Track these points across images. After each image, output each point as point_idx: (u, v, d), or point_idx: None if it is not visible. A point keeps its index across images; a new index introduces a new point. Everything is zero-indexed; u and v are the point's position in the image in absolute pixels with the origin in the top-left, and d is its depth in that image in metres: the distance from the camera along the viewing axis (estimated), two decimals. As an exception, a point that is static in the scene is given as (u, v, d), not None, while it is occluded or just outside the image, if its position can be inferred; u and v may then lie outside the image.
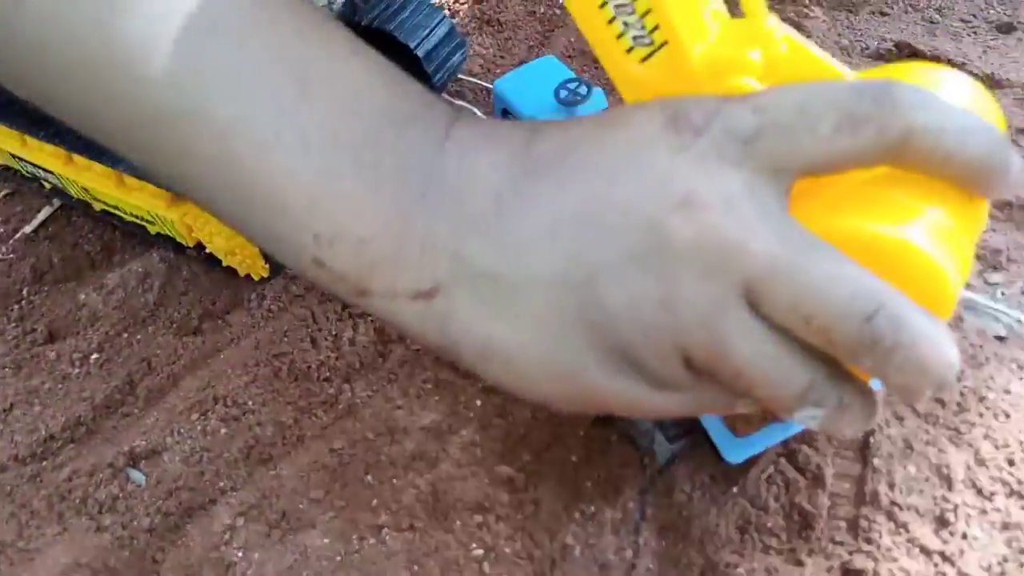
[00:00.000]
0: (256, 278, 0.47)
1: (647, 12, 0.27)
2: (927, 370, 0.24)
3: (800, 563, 0.36)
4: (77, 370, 0.45)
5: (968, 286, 0.46)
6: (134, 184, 0.45)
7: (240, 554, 0.38)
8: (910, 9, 0.66)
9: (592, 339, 0.26)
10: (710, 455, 0.40)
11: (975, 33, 0.63)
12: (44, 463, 0.41)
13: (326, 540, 0.38)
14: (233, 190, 0.27)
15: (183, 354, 0.45)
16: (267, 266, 0.46)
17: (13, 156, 0.50)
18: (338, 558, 0.37)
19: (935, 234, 0.25)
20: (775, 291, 0.24)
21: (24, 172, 0.51)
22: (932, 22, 0.64)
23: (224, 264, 0.47)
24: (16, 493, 0.40)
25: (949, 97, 0.28)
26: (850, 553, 0.36)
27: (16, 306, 0.49)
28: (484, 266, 0.26)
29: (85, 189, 0.48)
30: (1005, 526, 0.36)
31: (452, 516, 0.38)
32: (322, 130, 0.26)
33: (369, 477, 0.40)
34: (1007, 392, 0.40)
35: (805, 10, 0.63)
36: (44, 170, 0.49)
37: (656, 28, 0.28)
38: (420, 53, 0.52)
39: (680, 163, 0.25)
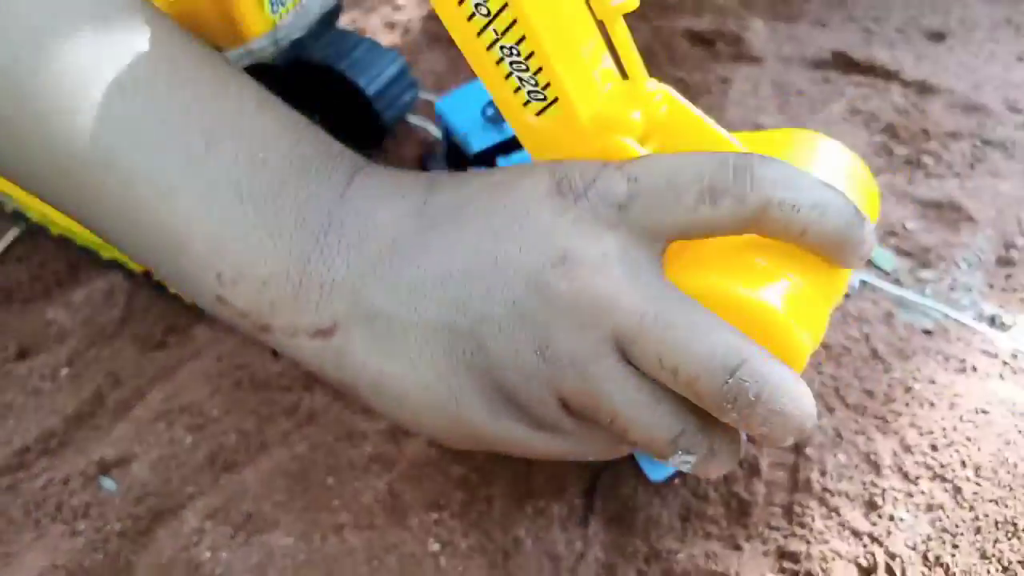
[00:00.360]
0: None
1: (539, 70, 0.29)
2: (788, 421, 0.26)
3: (738, 547, 0.38)
4: (48, 384, 0.47)
5: (898, 283, 0.49)
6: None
7: (209, 554, 0.39)
8: (848, 20, 0.68)
9: (477, 383, 0.28)
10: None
11: (909, 42, 0.65)
12: (20, 473, 0.43)
13: (289, 539, 0.39)
14: (140, 234, 0.29)
15: (148, 367, 0.47)
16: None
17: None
18: (301, 556, 0.39)
19: (790, 298, 0.27)
20: (643, 345, 0.26)
21: (-14, 196, 0.52)
22: (869, 31, 0.67)
23: (171, 292, 0.48)
24: (-7, 504, 0.41)
25: (821, 167, 0.30)
26: (785, 537, 0.38)
27: (-14, 324, 0.50)
28: (379, 307, 0.28)
29: (43, 214, 0.50)
30: (929, 508, 0.38)
31: (409, 514, 0.40)
32: (226, 179, 0.28)
33: (330, 479, 0.42)
34: (932, 382, 0.43)
35: (745, 23, 0.66)
36: (3, 193, 0.50)
37: (548, 85, 0.29)
38: (371, 92, 0.54)
39: (560, 224, 0.27)
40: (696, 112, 0.30)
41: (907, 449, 0.40)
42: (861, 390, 0.42)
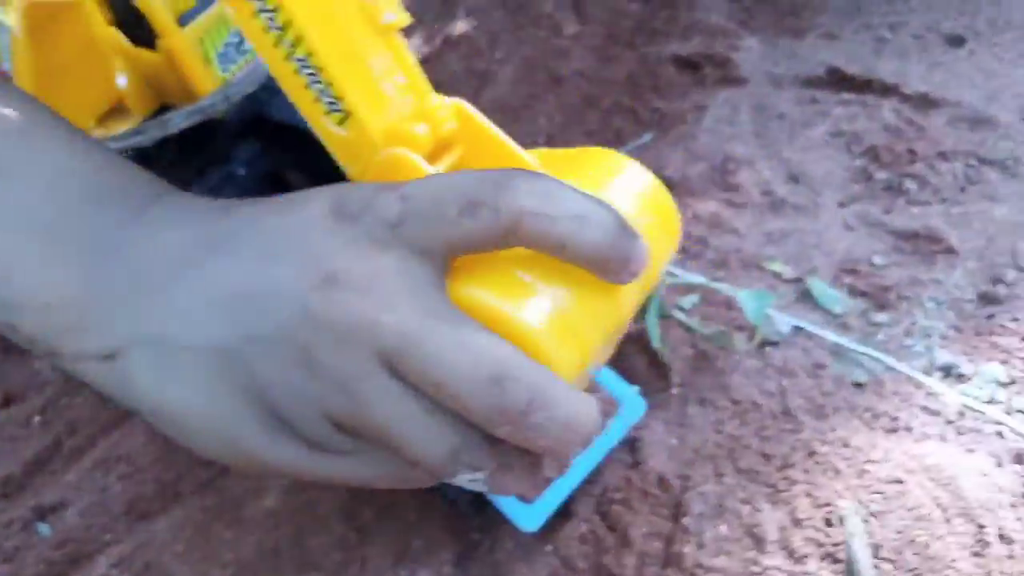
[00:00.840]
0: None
1: (331, 84, 0.29)
2: (567, 432, 0.25)
3: (600, 625, 0.35)
4: (23, 431, 0.50)
5: (845, 327, 0.43)
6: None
7: (106, 603, 0.40)
8: (861, 29, 0.61)
9: (250, 406, 0.28)
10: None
11: (925, 49, 0.58)
12: (-23, 516, 0.46)
13: (177, 592, 0.40)
14: None
15: (103, 417, 0.49)
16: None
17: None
18: (183, 609, 0.39)
19: (547, 312, 0.26)
20: (408, 361, 0.25)
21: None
22: (882, 40, 0.60)
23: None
24: (-55, 544, 0.45)
25: (613, 187, 0.29)
26: (650, 616, 0.35)
27: (-10, 374, 0.54)
28: (158, 331, 0.28)
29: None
30: (815, 591, 0.34)
31: (288, 572, 0.39)
32: (16, 211, 0.29)
33: (228, 533, 0.42)
34: (845, 445, 0.37)
35: (736, 42, 0.61)
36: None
37: (341, 98, 0.29)
38: None
39: (333, 246, 0.27)
40: (488, 126, 0.30)
41: (797, 523, 0.35)
42: (759, 453, 0.38)
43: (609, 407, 0.37)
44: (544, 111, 0.59)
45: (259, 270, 0.27)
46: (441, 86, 0.66)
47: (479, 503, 0.39)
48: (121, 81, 0.48)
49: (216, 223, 0.29)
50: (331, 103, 0.29)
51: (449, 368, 0.25)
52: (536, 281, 0.26)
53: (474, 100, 0.61)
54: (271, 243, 0.28)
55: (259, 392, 0.27)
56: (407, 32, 0.30)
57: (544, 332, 0.25)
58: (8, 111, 0.31)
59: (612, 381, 0.37)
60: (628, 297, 0.28)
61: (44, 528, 0.44)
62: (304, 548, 0.40)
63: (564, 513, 0.38)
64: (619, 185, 0.29)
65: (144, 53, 0.47)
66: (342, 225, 0.27)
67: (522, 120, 0.59)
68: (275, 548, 0.40)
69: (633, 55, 0.62)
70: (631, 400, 0.37)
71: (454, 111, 0.30)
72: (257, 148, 0.54)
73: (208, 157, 0.51)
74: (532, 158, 0.30)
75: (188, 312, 0.28)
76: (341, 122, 0.30)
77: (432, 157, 0.29)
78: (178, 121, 0.48)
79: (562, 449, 0.25)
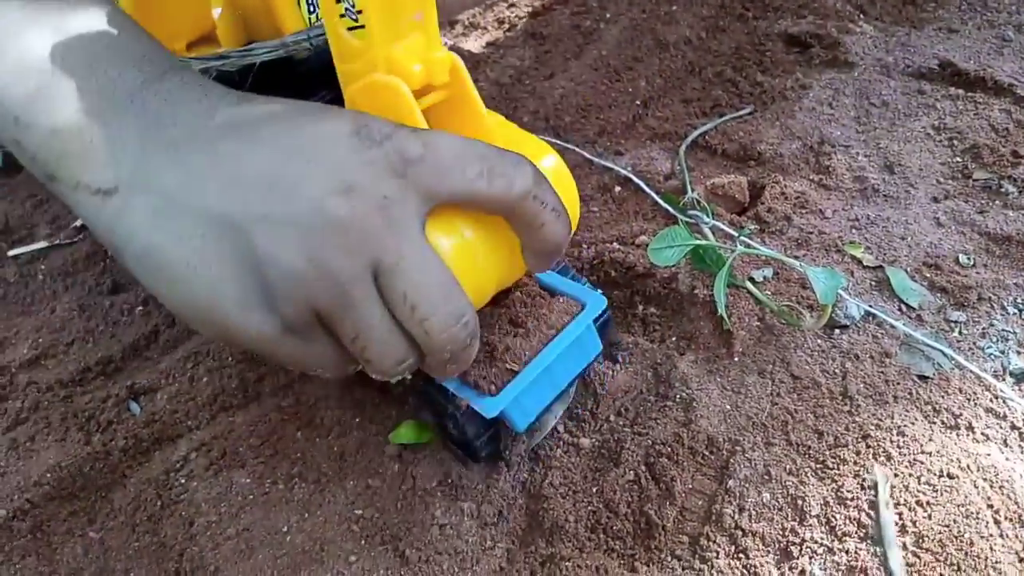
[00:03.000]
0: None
1: None
2: (465, 364, 0.32)
3: (634, 570, 0.36)
4: (125, 318, 0.53)
5: (919, 320, 0.42)
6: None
7: (183, 481, 0.43)
8: (985, 26, 0.58)
9: (238, 272, 0.29)
10: (587, 457, 0.40)
11: (1049, 52, 0.55)
12: (78, 388, 0.49)
13: (247, 480, 0.42)
14: None
15: (199, 313, 0.52)
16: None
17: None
18: (251, 496, 0.42)
19: (462, 259, 0.32)
20: (396, 280, 0.29)
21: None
22: (1005, 40, 0.57)
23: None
24: (47, 409, 0.48)
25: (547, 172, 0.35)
26: (684, 568, 0.35)
27: (102, 263, 0.57)
28: (163, 183, 0.30)
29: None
30: (850, 569, 0.33)
31: (350, 478, 0.41)
32: (41, 47, 0.32)
33: (299, 434, 0.44)
34: (901, 434, 0.37)
35: (850, 26, 0.58)
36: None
37: (361, 12, 0.31)
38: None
39: (354, 162, 0.29)
40: (470, 86, 0.34)
41: (841, 501, 0.35)
42: (812, 428, 0.37)
43: (573, 305, 0.37)
44: (645, 74, 0.59)
45: (283, 163, 0.29)
46: (545, 39, 0.66)
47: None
48: (216, 12, 0.50)
49: (237, 106, 0.31)
50: (348, 9, 0.32)
51: (427, 297, 0.30)
52: (474, 237, 0.32)
53: (576, 57, 0.61)
54: (296, 144, 0.30)
55: (254, 265, 0.29)
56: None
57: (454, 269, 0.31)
58: None
59: (573, 287, 0.39)
60: (519, 271, 0.35)
61: (135, 407, 0.47)
62: (367, 459, 0.42)
63: (613, 459, 0.39)
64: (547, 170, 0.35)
65: (240, -12, 0.49)
66: (363, 145, 0.30)
67: (623, 80, 0.58)
68: (341, 453, 0.42)
69: (743, 28, 0.60)
70: (594, 299, 0.38)
71: (450, 64, 0.33)
72: (332, 95, 0.55)
73: (285, 96, 0.53)
74: (492, 119, 0.35)
75: (199, 175, 0.30)
76: (352, 29, 0.32)
77: (418, 94, 0.33)
78: (260, 52, 0.49)
79: (444, 375, 0.33)
